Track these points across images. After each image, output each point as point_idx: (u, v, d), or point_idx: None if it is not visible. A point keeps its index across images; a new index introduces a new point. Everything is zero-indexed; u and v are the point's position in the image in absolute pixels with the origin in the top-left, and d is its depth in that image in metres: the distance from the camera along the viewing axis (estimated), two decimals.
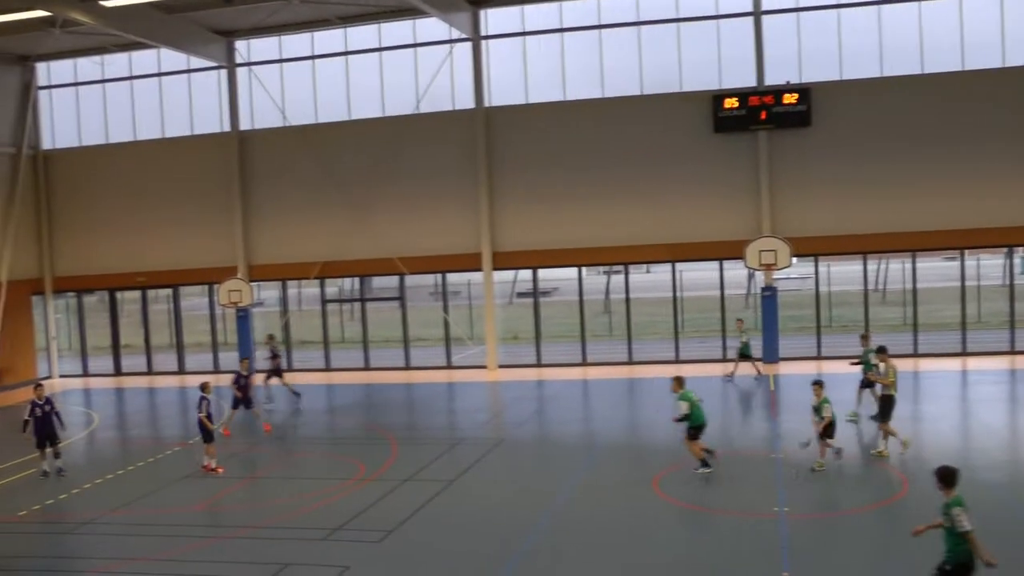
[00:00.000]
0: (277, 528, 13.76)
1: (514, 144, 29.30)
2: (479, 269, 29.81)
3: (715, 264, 28.77)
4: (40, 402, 17.85)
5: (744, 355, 25.07)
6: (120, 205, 32.94)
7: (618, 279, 31.96)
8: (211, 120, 31.91)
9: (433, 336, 32.13)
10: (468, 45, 29.28)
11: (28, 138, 33.17)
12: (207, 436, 17.26)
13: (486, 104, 29.31)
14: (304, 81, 31.04)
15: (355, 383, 28.91)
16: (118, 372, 33.91)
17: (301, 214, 31.15)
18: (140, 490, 16.34)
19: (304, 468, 17.84)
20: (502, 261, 29.84)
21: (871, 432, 17.47)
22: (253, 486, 16.84)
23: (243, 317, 31.47)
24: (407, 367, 31.04)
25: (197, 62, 31.36)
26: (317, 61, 30.82)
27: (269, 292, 34.06)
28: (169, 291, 33.99)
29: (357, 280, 35.01)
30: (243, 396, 21.42)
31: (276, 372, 25.45)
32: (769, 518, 13.00)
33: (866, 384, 19.17)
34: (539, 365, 29.92)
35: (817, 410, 15.37)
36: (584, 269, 31.12)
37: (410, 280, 31.48)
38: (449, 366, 30.93)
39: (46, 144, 33.83)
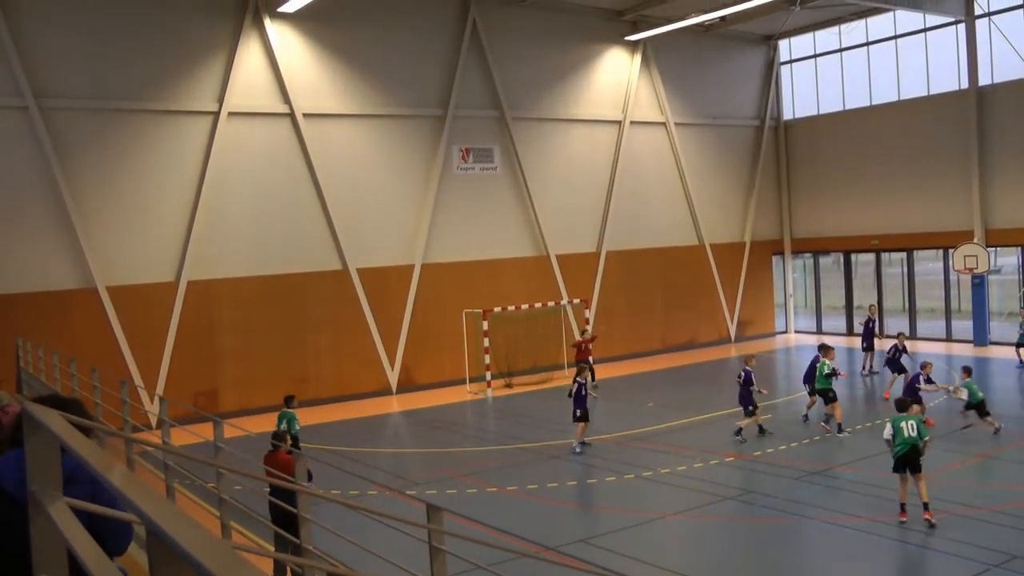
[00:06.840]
0: (1004, 514, 13.16)
1: None
2: None
3: None
4: (750, 369, 19.06)
5: None
6: (853, 169, 33.64)
7: None
8: (946, 78, 30.68)
9: None
10: None
11: (770, 110, 35.88)
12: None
13: None
14: None
15: None
16: (849, 332, 34.76)
17: None
18: (863, 451, 16.90)
19: None
20: None
21: None
22: (982, 464, 16.21)
23: (978, 285, 29.86)
24: None
25: (933, 20, 30.37)
26: None
27: (1007, 259, 31.68)
28: (903, 255, 33.78)
29: None
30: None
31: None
32: None
33: None
34: None
35: None
36: None
37: None
38: None
39: (786, 115, 36.20)
